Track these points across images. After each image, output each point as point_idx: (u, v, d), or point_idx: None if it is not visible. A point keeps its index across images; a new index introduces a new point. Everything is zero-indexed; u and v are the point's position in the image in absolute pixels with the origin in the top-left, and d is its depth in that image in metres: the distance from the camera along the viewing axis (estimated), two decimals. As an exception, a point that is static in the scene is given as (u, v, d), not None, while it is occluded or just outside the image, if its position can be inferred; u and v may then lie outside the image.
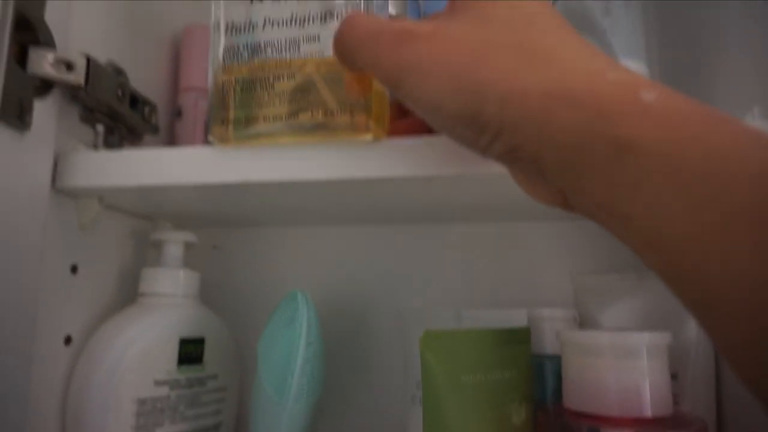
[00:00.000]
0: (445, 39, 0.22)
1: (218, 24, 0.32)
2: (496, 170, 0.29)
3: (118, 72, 0.41)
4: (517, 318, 0.39)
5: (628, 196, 0.18)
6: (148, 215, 0.46)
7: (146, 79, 0.46)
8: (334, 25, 0.30)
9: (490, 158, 0.23)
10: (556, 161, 0.19)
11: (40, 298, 0.34)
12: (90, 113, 0.38)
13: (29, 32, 0.32)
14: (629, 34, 0.32)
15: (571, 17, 0.33)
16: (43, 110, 0.34)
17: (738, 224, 0.16)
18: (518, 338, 0.37)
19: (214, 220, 0.49)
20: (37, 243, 0.34)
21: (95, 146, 0.39)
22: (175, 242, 0.43)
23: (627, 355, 0.30)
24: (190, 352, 0.41)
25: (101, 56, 0.40)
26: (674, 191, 0.17)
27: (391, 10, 0.40)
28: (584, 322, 0.42)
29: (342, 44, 0.25)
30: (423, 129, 0.31)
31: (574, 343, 0.32)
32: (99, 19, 0.40)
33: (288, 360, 0.36)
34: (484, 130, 0.21)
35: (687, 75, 0.42)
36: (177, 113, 0.47)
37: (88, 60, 0.34)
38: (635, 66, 0.32)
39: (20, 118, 0.31)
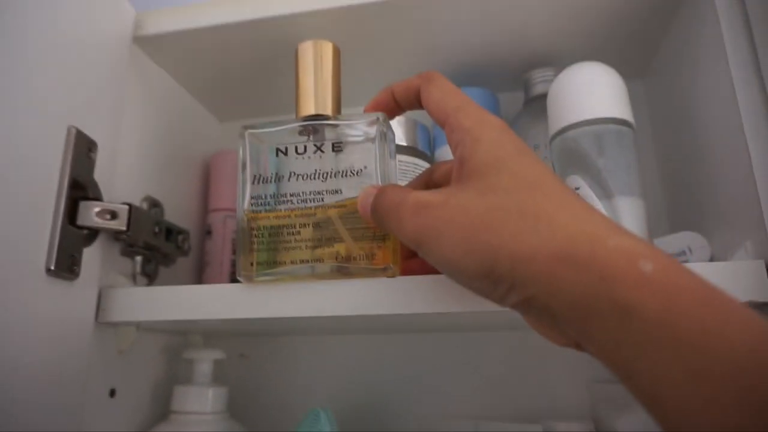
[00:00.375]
0: (455, 206, 0.25)
1: (246, 174, 0.35)
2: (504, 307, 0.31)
3: (154, 204, 0.45)
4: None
5: (630, 356, 0.20)
6: (179, 332, 0.49)
7: (179, 203, 0.50)
8: (354, 179, 0.33)
9: (506, 307, 0.25)
10: (566, 314, 0.21)
11: (82, 423, 0.37)
12: (129, 248, 0.41)
13: (80, 190, 0.36)
14: (624, 172, 0.34)
15: (567, 157, 0.36)
16: (90, 255, 0.37)
17: (727, 397, 0.17)
18: (536, 455, 0.38)
19: (241, 332, 0.51)
20: (81, 372, 0.37)
21: (133, 276, 0.43)
22: (205, 360, 0.45)
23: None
24: (219, 466, 0.43)
25: (140, 192, 0.45)
26: (673, 360, 0.18)
27: (402, 139, 0.44)
28: (601, 431, 0.42)
29: (375, 212, 0.29)
30: (433, 269, 0.34)
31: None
32: (138, 161, 0.45)
33: (314, 481, 0.38)
34: (497, 285, 0.23)
35: (683, 207, 0.45)
36: (207, 232, 0.51)
37: (130, 208, 0.38)
38: (632, 203, 0.34)
39: (71, 270, 0.35)
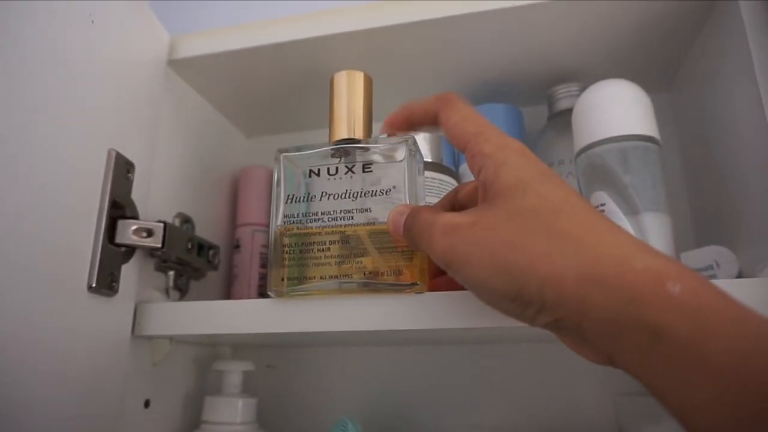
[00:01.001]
0: (484, 227, 0.25)
1: (279, 194, 0.36)
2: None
3: (186, 221, 0.47)
4: (560, 446, 0.40)
5: (659, 376, 0.20)
6: (209, 344, 0.51)
7: (208, 218, 0.51)
8: (383, 198, 0.34)
9: (537, 327, 0.25)
10: (596, 335, 0.22)
11: (119, 434, 0.38)
12: (163, 263, 0.43)
13: (119, 209, 0.38)
14: (650, 188, 0.35)
15: (593, 174, 0.36)
16: (127, 272, 0.39)
17: (759, 421, 0.18)
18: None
19: (268, 345, 0.53)
20: (119, 384, 0.38)
21: (166, 290, 0.44)
22: (234, 372, 0.46)
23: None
24: (249, 476, 0.44)
25: (172, 209, 0.46)
26: (702, 381, 0.19)
27: (427, 155, 0.45)
28: (628, 445, 0.42)
29: (408, 231, 0.30)
30: (459, 285, 0.35)
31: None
32: (171, 179, 0.46)
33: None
34: (527, 306, 0.23)
35: (710, 221, 0.45)
36: (236, 246, 0.52)
37: (165, 226, 0.39)
38: (658, 219, 0.34)
39: (110, 287, 0.36)
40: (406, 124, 0.34)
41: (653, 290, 0.20)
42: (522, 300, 0.23)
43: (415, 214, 0.30)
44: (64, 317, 0.33)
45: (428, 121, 0.32)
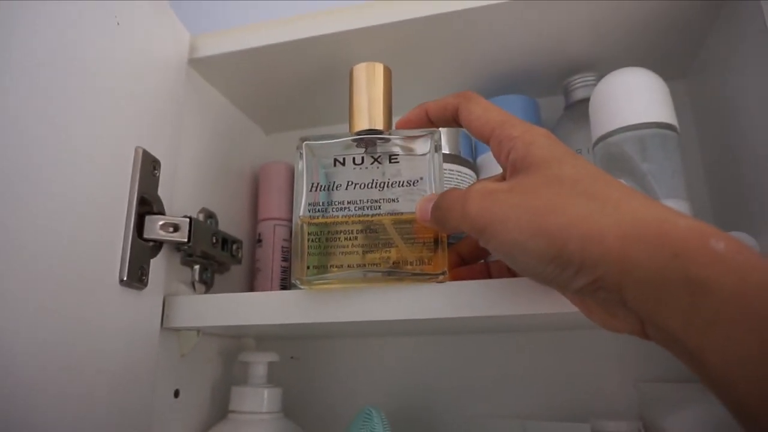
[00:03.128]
0: (522, 190, 0.25)
1: (302, 183, 0.37)
2: (554, 309, 0.32)
3: (209, 216, 0.48)
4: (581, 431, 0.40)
5: (701, 333, 0.20)
6: (234, 335, 0.52)
7: (230, 213, 0.52)
8: (409, 189, 0.35)
9: (570, 292, 0.25)
10: (636, 294, 0.22)
11: (152, 422, 0.39)
12: (189, 258, 0.44)
13: (146, 205, 0.39)
14: (669, 176, 0.35)
15: (611, 162, 0.37)
16: (156, 266, 0.40)
17: None
18: (585, 455, 0.38)
19: (292, 336, 0.54)
20: (150, 374, 0.39)
21: (192, 284, 0.45)
22: (260, 363, 0.47)
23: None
24: (276, 464, 0.45)
25: (197, 204, 0.47)
26: (746, 332, 0.19)
27: (444, 147, 0.45)
28: (650, 431, 0.43)
29: (437, 208, 0.30)
30: (481, 275, 0.35)
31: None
32: (194, 175, 0.47)
33: (367, 478, 0.39)
34: (566, 266, 0.23)
35: (730, 208, 0.45)
36: (258, 240, 0.53)
37: (191, 221, 0.40)
38: (678, 206, 0.34)
39: (140, 281, 0.37)
40: (423, 122, 0.34)
41: (697, 246, 0.20)
42: (561, 260, 0.23)
43: (445, 192, 0.30)
44: (98, 310, 0.34)
45: (446, 116, 0.33)
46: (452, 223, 0.29)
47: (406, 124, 0.35)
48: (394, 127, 0.37)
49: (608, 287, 0.22)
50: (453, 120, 0.32)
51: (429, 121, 0.34)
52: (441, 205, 0.30)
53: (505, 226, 0.25)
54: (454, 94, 0.32)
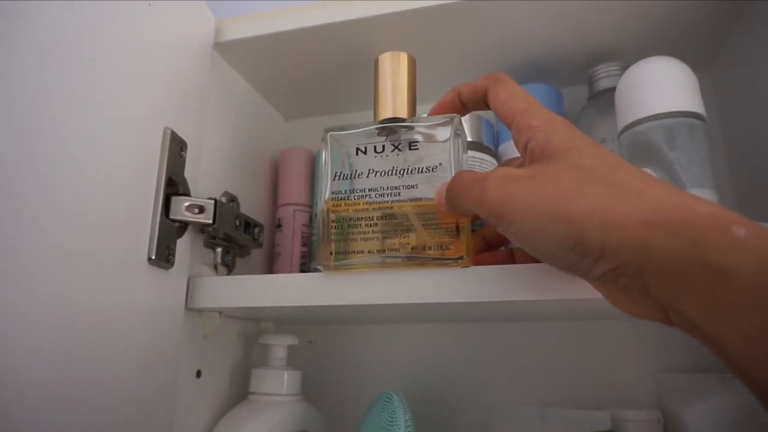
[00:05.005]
0: (543, 177, 0.25)
1: (327, 171, 0.37)
2: (576, 295, 0.32)
3: (232, 199, 0.48)
4: (600, 419, 0.40)
5: (722, 319, 0.20)
6: (254, 319, 0.52)
7: (251, 198, 0.53)
8: (429, 176, 0.35)
9: (591, 279, 0.25)
10: (656, 281, 0.22)
11: (175, 401, 0.40)
12: (212, 240, 0.45)
13: (173, 186, 0.39)
14: (696, 165, 0.35)
15: (638, 151, 0.37)
16: (181, 246, 0.40)
17: None
18: (603, 442, 0.39)
19: (311, 320, 0.54)
20: (174, 354, 0.40)
21: (214, 266, 0.46)
22: (280, 345, 0.48)
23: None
24: (295, 445, 0.46)
25: (219, 188, 0.48)
26: (765, 316, 0.19)
27: (467, 135, 0.46)
28: (667, 420, 0.43)
29: (452, 189, 0.30)
30: (505, 261, 0.35)
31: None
32: (218, 158, 0.48)
33: (387, 460, 0.40)
34: (586, 253, 0.23)
35: (753, 199, 0.44)
36: (278, 225, 0.54)
37: (216, 202, 0.41)
38: (705, 195, 0.34)
39: (167, 260, 0.38)
40: (456, 106, 0.34)
41: (718, 232, 0.20)
42: (582, 247, 0.23)
43: (456, 176, 0.30)
44: (126, 288, 0.35)
45: (477, 99, 0.33)
46: (467, 208, 0.29)
47: (440, 108, 0.35)
48: (428, 114, 0.37)
49: (629, 274, 0.22)
50: (483, 102, 0.32)
51: (462, 104, 0.34)
52: (454, 189, 0.30)
53: (525, 212, 0.25)
54: (486, 76, 0.32)
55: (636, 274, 0.22)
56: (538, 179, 0.25)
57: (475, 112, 0.46)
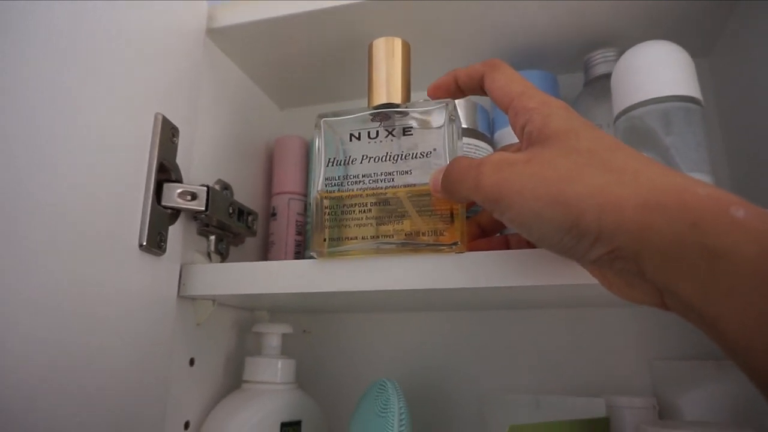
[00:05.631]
0: (540, 161, 0.25)
1: (320, 158, 0.37)
2: (572, 281, 0.32)
3: (225, 187, 0.48)
4: (595, 406, 0.40)
5: (719, 302, 0.20)
6: (248, 307, 0.52)
7: (245, 186, 0.52)
8: (424, 161, 0.35)
9: (587, 263, 0.25)
10: (653, 263, 0.21)
11: (168, 388, 0.40)
12: (205, 227, 0.44)
13: (164, 173, 0.39)
14: (693, 149, 0.34)
15: (634, 136, 0.36)
16: (173, 233, 0.40)
17: None
18: (598, 428, 0.39)
19: (305, 309, 0.54)
20: (167, 341, 0.40)
21: (208, 254, 0.45)
22: (273, 334, 0.48)
23: (709, 455, 0.32)
24: (289, 433, 0.46)
25: (213, 176, 0.47)
26: (764, 298, 0.18)
27: (462, 121, 0.45)
28: (663, 408, 0.43)
29: (447, 176, 0.30)
30: (500, 247, 0.35)
31: (655, 440, 0.34)
32: (211, 146, 0.47)
33: (381, 447, 0.40)
34: (583, 236, 0.23)
35: (750, 184, 0.44)
36: (272, 214, 0.53)
37: (208, 189, 0.40)
38: (702, 179, 0.34)
39: (159, 246, 0.37)
40: (452, 88, 0.34)
41: (716, 214, 0.20)
42: (578, 230, 0.23)
43: (453, 162, 0.30)
44: (117, 273, 0.34)
45: (473, 84, 0.33)
46: (463, 194, 0.29)
47: (435, 90, 0.35)
48: (425, 95, 0.36)
49: (625, 257, 0.22)
50: (480, 88, 0.32)
51: (458, 88, 0.34)
52: (451, 175, 0.30)
53: (521, 197, 0.24)
54: (483, 62, 0.32)
55: (632, 257, 0.22)
56: (534, 163, 0.25)
57: (470, 99, 0.46)
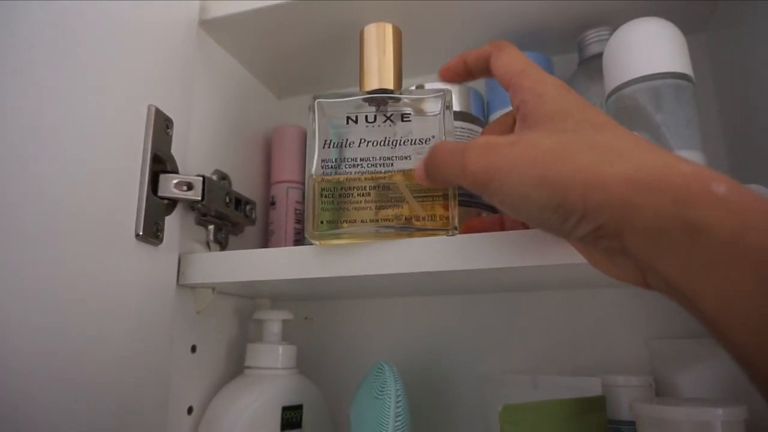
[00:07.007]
0: (526, 143, 0.25)
1: (315, 140, 0.37)
2: (564, 260, 0.32)
3: (223, 177, 0.48)
4: (592, 386, 0.41)
5: (699, 276, 0.20)
6: (249, 295, 0.53)
7: (243, 176, 0.53)
8: (421, 147, 0.35)
9: (573, 240, 0.25)
10: (636, 240, 0.22)
11: (170, 375, 0.41)
12: (203, 217, 0.45)
13: (160, 164, 0.39)
14: (683, 126, 0.34)
15: (625, 114, 0.36)
16: (171, 223, 0.41)
17: None
18: (594, 407, 0.39)
19: (306, 296, 0.55)
20: (167, 329, 0.40)
21: (207, 243, 0.46)
22: (274, 320, 0.48)
23: (704, 431, 0.32)
24: (291, 418, 0.46)
25: (209, 166, 0.48)
26: (743, 273, 0.19)
27: (456, 105, 0.45)
28: (661, 387, 0.43)
29: (431, 162, 0.30)
30: (494, 226, 0.35)
31: (649, 417, 0.34)
32: (207, 137, 0.48)
33: (379, 429, 0.40)
34: (568, 216, 0.23)
35: (747, 161, 0.44)
36: (271, 203, 0.54)
37: (204, 179, 0.41)
38: (693, 156, 0.34)
39: (156, 236, 0.38)
40: (461, 70, 0.34)
41: (698, 190, 0.20)
42: (564, 209, 0.23)
43: (435, 147, 0.30)
44: (114, 263, 0.35)
45: (481, 65, 0.33)
46: (448, 178, 0.29)
47: (446, 72, 0.35)
48: (417, 81, 0.37)
49: (610, 235, 0.22)
50: (487, 69, 0.32)
51: (467, 70, 0.34)
52: (434, 160, 0.30)
53: (509, 179, 0.25)
54: (490, 43, 0.32)
55: (615, 235, 0.22)
56: (519, 145, 0.25)
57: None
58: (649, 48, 0.36)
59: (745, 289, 0.19)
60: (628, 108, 0.36)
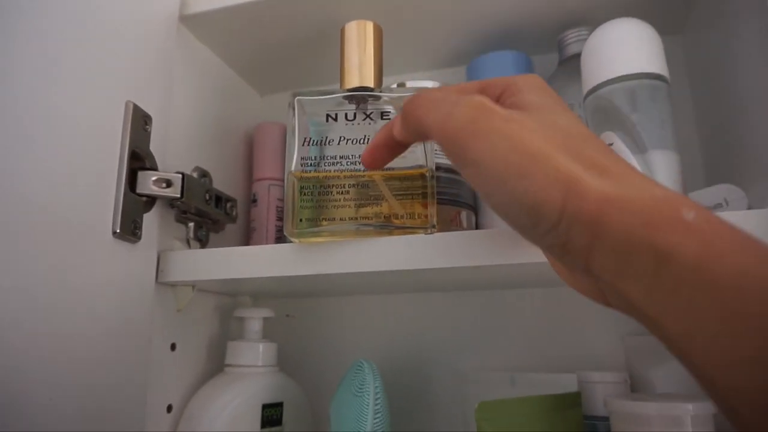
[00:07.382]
0: (520, 124, 0.23)
1: (295, 137, 0.37)
2: (542, 258, 0.33)
3: (203, 174, 0.48)
4: (568, 382, 0.41)
5: (663, 300, 0.20)
6: (230, 293, 0.53)
7: (225, 173, 0.52)
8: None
9: (540, 247, 0.25)
10: (602, 260, 0.21)
11: (149, 373, 0.40)
12: (183, 215, 0.45)
13: (138, 160, 0.39)
14: (658, 126, 0.35)
15: (601, 115, 0.37)
16: (149, 221, 0.40)
17: (758, 337, 0.18)
18: (569, 403, 0.39)
19: (287, 294, 0.55)
20: (146, 327, 0.40)
21: (187, 241, 0.46)
22: (255, 318, 0.48)
23: (674, 425, 0.33)
24: (271, 415, 0.46)
25: (190, 163, 0.48)
26: (708, 303, 0.19)
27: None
28: (636, 383, 0.44)
29: (413, 103, 0.27)
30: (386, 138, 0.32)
31: (621, 412, 0.35)
32: (187, 134, 0.48)
33: (358, 426, 0.40)
34: (541, 220, 0.22)
35: (721, 161, 0.45)
36: (253, 200, 0.54)
37: (183, 176, 0.41)
38: (666, 156, 0.34)
39: (134, 234, 0.38)
40: (386, 153, 0.32)
41: (668, 216, 0.20)
42: (539, 213, 0.22)
43: (425, 90, 0.28)
44: (91, 261, 0.35)
45: (396, 142, 0.30)
46: (425, 124, 0.26)
47: (373, 151, 0.32)
48: (397, 79, 0.37)
49: (576, 252, 0.22)
50: (423, 136, 0.28)
51: (395, 147, 0.31)
52: (418, 101, 0.27)
53: (491, 156, 0.23)
54: (395, 119, 0.30)
55: (583, 253, 0.22)
56: (513, 123, 0.23)
57: (456, 72, 0.46)
58: (624, 49, 0.36)
59: (708, 315, 0.19)
60: (604, 108, 0.36)
